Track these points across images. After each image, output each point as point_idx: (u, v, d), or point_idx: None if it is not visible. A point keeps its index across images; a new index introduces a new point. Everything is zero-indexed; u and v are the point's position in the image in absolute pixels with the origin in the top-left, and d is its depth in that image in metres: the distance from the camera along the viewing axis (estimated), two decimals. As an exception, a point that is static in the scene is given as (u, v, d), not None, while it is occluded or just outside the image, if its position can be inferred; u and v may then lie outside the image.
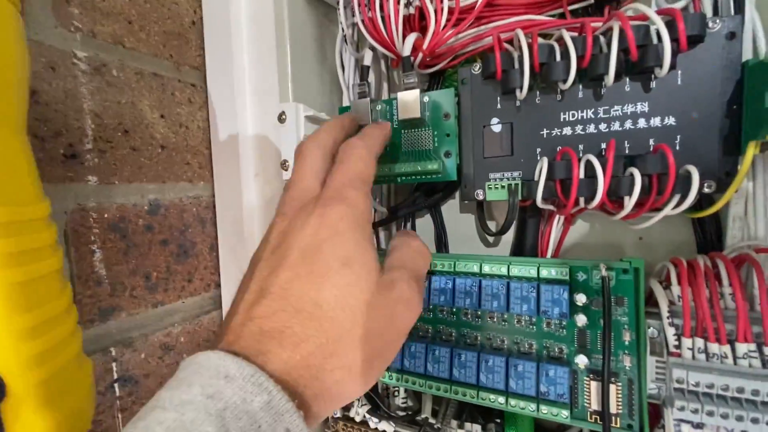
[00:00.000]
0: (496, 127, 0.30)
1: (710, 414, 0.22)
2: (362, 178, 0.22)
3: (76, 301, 0.27)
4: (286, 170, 0.33)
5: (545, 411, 0.26)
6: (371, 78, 0.35)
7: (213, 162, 0.37)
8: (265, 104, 0.34)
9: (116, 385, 0.29)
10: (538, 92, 0.28)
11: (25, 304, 0.17)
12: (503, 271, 0.29)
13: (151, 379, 0.31)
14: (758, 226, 0.26)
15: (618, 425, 0.25)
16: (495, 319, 0.29)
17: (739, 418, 0.21)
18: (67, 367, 0.19)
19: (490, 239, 0.36)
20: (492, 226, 0.36)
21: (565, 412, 0.25)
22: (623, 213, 0.25)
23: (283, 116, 0.32)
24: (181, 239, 0.34)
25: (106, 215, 0.29)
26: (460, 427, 0.31)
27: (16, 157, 0.18)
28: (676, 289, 0.25)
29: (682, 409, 0.22)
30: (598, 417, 0.25)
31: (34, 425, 0.17)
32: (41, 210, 0.19)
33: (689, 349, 0.23)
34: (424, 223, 0.38)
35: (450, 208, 0.38)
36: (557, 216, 0.31)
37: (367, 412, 0.34)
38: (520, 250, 0.33)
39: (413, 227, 0.38)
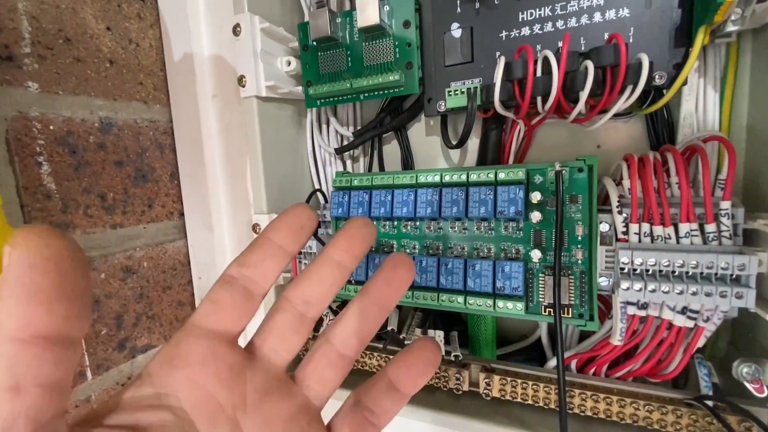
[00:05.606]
0: (456, 32, 0.29)
1: (653, 291, 0.23)
2: None
3: (24, 213, 0.26)
4: (244, 86, 0.32)
5: (501, 306, 0.27)
6: (331, -7, 0.34)
7: (168, 84, 0.35)
8: (219, 17, 0.33)
9: (75, 301, 0.29)
10: (497, -8, 0.27)
11: None
12: (462, 178, 0.29)
13: (113, 300, 0.31)
14: (707, 120, 0.26)
15: (570, 315, 0.26)
16: (456, 229, 0.30)
17: (681, 293, 0.22)
18: None
19: (455, 159, 0.36)
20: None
21: (520, 305, 0.26)
22: (577, 109, 0.26)
23: (238, 29, 0.31)
24: (138, 162, 0.33)
25: (51, 127, 0.27)
26: (424, 333, 0.32)
27: None
28: (627, 182, 0.25)
29: (627, 289, 0.23)
30: (551, 310, 0.26)
31: None
32: None
33: (635, 234, 0.24)
34: (391, 148, 0.38)
35: (417, 132, 0.37)
36: (518, 127, 0.31)
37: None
38: (482, 163, 0.33)
39: (380, 150, 0.37)
